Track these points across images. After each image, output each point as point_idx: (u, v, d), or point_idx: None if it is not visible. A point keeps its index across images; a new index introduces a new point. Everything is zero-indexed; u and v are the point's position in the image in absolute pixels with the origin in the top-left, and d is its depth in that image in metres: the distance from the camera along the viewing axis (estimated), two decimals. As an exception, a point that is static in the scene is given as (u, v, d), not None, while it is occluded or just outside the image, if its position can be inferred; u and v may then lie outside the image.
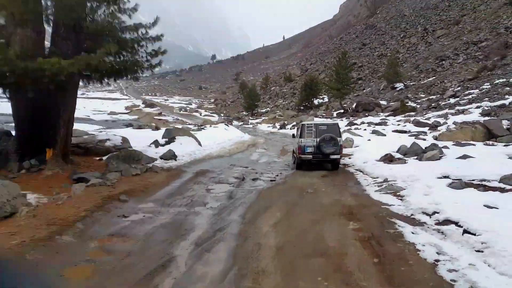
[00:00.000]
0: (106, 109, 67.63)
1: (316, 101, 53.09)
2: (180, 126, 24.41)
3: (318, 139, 11.78)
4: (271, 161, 15.39)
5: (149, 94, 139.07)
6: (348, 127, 24.41)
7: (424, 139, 18.72)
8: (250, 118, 59.73)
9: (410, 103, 34.75)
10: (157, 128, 22.42)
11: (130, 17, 11.16)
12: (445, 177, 9.70)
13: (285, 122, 42.81)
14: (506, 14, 45.49)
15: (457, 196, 8.08)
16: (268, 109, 65.75)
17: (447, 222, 6.83)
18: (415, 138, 19.24)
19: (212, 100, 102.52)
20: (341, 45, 78.48)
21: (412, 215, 7.43)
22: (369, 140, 17.74)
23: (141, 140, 15.57)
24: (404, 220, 7.15)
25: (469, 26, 50.05)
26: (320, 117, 38.58)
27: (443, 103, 32.43)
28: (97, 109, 67.30)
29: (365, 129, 23.01)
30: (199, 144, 16.29)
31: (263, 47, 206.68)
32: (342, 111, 39.16)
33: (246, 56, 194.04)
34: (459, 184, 8.90)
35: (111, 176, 9.69)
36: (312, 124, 12.45)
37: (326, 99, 55.05)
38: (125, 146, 14.11)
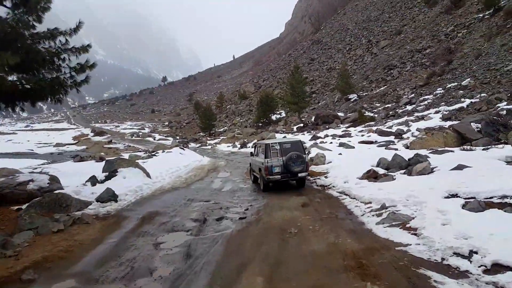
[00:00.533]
0: (52, 140, 63.71)
1: (274, 117, 51.56)
2: (126, 155, 21.22)
3: (284, 158, 11.23)
4: (237, 188, 12.90)
5: (99, 121, 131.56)
6: (313, 141, 22.63)
7: (396, 149, 17.24)
8: (208, 138, 57.00)
9: (368, 113, 34.00)
10: (101, 159, 19.18)
11: (39, 21, 8.13)
12: (453, 195, 7.78)
13: (245, 140, 40.63)
14: (443, 22, 47.10)
15: (485, 222, 6.09)
16: (225, 128, 63.44)
17: (499, 268, 4.78)
18: (385, 148, 17.75)
19: (167, 123, 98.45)
20: (290, 61, 78.48)
21: (443, 259, 5.28)
22: (340, 154, 15.85)
23: (77, 177, 12.49)
24: (437, 269, 4.99)
25: (411, 35, 51.39)
26: (281, 133, 36.82)
27: (400, 110, 31.94)
28: (42, 141, 64.57)
29: (331, 142, 21.29)
30: (148, 176, 13.41)
31: (214, 66, 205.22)
32: (301, 125, 37.71)
33: (198, 76, 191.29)
34: (477, 205, 6.96)
35: (19, 239, 6.77)
36: (276, 143, 11.81)
37: (283, 114, 53.83)
38: (53, 188, 11.00)
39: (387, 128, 25.96)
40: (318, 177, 12.70)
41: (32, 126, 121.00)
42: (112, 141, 59.16)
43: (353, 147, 18.65)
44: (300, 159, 11.22)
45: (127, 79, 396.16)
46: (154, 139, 65.55)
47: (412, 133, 23.50)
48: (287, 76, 47.04)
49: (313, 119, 38.43)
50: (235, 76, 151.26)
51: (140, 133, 77.51)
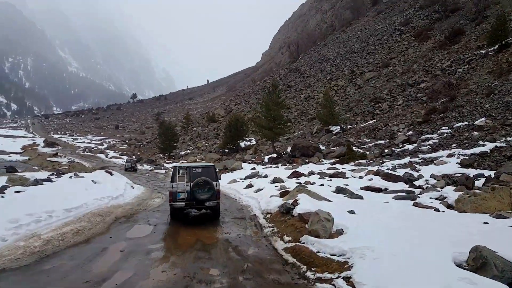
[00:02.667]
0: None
1: (242, 143, 44.73)
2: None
3: (191, 184, 9.86)
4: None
5: (58, 132, 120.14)
6: (295, 179, 15.68)
7: (431, 207, 10.62)
8: (167, 161, 49.14)
9: (356, 149, 27.80)
10: None
11: None
12: None
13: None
14: (437, 57, 42.99)
15: None
16: (188, 151, 55.76)
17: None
18: (413, 205, 11.06)
19: (127, 141, 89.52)
20: (265, 87, 72.80)
21: None
22: (351, 212, 8.79)
23: None
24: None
25: (400, 68, 46.96)
26: (249, 162, 29.80)
27: (397, 149, 25.97)
28: None
29: (321, 185, 14.35)
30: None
31: (187, 88, 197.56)
32: (275, 155, 30.88)
33: (169, 96, 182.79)
34: None
35: None
36: (185, 166, 10.47)
37: (254, 142, 47.10)
38: None
39: (388, 169, 19.67)
40: (327, 275, 5.50)
41: None
42: (58, 154, 52.07)
43: (361, 198, 11.80)
44: (208, 186, 10.03)
45: (98, 94, 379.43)
46: (106, 156, 57.82)
47: (427, 180, 17.52)
48: (262, 96, 40.63)
49: (289, 150, 31.74)
50: (207, 99, 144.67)
51: (95, 148, 69.22)
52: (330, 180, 15.98)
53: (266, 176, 18.16)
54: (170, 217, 10.36)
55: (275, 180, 15.34)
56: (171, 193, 10.01)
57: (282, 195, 11.75)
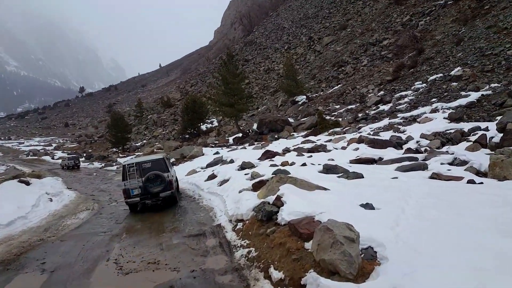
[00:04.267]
0: None
1: (203, 126, 40.87)
2: None
3: (143, 179, 10.15)
4: None
5: (1, 138, 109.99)
6: (270, 162, 12.34)
7: (459, 177, 7.81)
8: (120, 155, 44.31)
9: (328, 117, 24.99)
10: None
11: None
12: None
13: (167, 156, 29.38)
14: (395, 13, 40.81)
15: None
16: (144, 141, 51.02)
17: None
18: (432, 177, 8.24)
19: (77, 138, 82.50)
20: (219, 68, 68.54)
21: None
22: (367, 207, 5.62)
23: None
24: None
25: (359, 29, 44.48)
26: (212, 146, 26.27)
27: (372, 112, 23.47)
28: None
29: (303, 164, 11.13)
30: None
31: (139, 75, 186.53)
32: (240, 135, 27.47)
33: (119, 86, 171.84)
34: None
35: None
36: (133, 163, 10.60)
37: (216, 123, 43.34)
38: None
39: (369, 135, 16.98)
40: None
41: None
42: (-4, 162, 45.57)
43: (361, 176, 8.71)
44: (160, 179, 10.29)
45: (44, 92, 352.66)
46: (52, 158, 51.95)
47: (418, 141, 15.02)
48: (218, 69, 36.65)
49: (255, 127, 28.44)
50: (162, 85, 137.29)
51: (41, 151, 62.63)
52: (311, 156, 12.87)
53: (232, 161, 14.72)
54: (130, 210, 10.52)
55: (244, 166, 11.98)
56: (124, 191, 10.26)
57: (256, 187, 8.43)
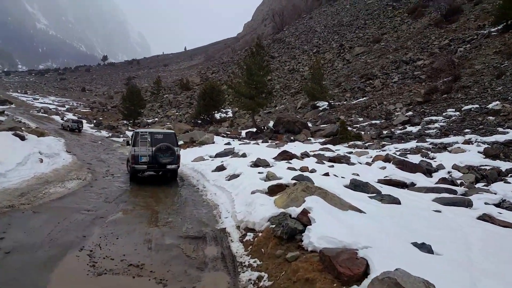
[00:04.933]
0: None
1: (217, 115, 39.64)
2: None
3: (153, 148, 10.39)
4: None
5: (18, 91, 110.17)
6: (286, 163, 11.00)
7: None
8: (130, 128, 43.34)
9: (349, 128, 23.50)
10: None
11: None
12: None
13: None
14: (433, 35, 39.04)
15: None
16: (156, 119, 49.93)
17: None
18: (483, 219, 6.80)
19: (91, 104, 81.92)
20: (246, 57, 67.13)
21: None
22: (423, 248, 4.25)
23: None
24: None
25: (393, 44, 42.73)
26: (223, 136, 24.98)
27: (397, 131, 21.91)
28: None
29: (326, 174, 9.73)
30: None
31: (163, 54, 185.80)
32: (254, 130, 26.12)
33: (142, 61, 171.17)
34: None
35: None
36: (146, 132, 10.83)
37: (230, 114, 42.09)
38: None
39: (394, 155, 15.56)
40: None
41: None
42: (5, 112, 44.98)
43: (397, 201, 7.30)
44: (170, 151, 10.54)
45: (68, 54, 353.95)
46: (62, 119, 51.20)
47: (449, 172, 13.56)
48: (243, 58, 35.23)
49: (271, 125, 27.09)
50: (183, 67, 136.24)
51: (52, 110, 62.03)
52: (332, 166, 11.46)
53: (244, 155, 13.36)
54: (130, 178, 10.72)
55: (258, 163, 10.62)
56: (133, 157, 10.32)
57: (272, 191, 7.09)
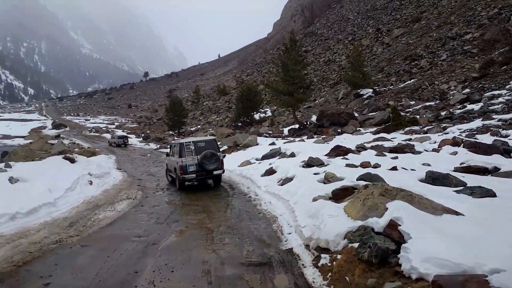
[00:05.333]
0: (7, 131, 57.84)
1: (257, 116, 38.92)
2: None
3: (199, 157, 10.63)
4: None
5: (71, 114, 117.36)
6: (342, 159, 9.76)
7: None
8: (175, 138, 43.92)
9: (401, 113, 21.56)
10: None
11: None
12: None
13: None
14: (479, 5, 35.49)
15: None
16: (198, 126, 50.31)
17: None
18: None
19: (138, 119, 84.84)
20: (279, 55, 65.94)
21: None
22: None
23: None
24: None
25: (435, 21, 39.54)
26: (265, 136, 24.04)
27: (457, 111, 19.74)
28: None
29: (393, 168, 8.39)
30: None
31: (199, 64, 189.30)
32: (296, 126, 24.96)
33: (180, 73, 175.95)
34: None
35: None
36: (190, 142, 11.24)
37: (269, 113, 41.18)
38: None
39: (460, 136, 13.78)
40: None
41: (0, 116, 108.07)
42: (61, 136, 47.74)
43: (491, 194, 5.90)
44: (215, 157, 10.78)
45: (112, 74, 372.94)
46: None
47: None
48: (280, 52, 34.16)
49: (313, 119, 25.77)
50: (219, 74, 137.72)
51: (103, 128, 64.82)
52: (396, 157, 10.08)
53: (293, 154, 12.31)
54: (178, 187, 11.04)
55: (311, 162, 9.52)
56: (181, 167, 10.50)
57: (338, 196, 6.00)
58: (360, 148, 11.99)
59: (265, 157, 13.98)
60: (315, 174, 8.30)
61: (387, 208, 4.39)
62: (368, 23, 52.99)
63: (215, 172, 10.76)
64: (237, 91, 50.72)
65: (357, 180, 6.69)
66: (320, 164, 9.44)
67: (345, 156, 10.53)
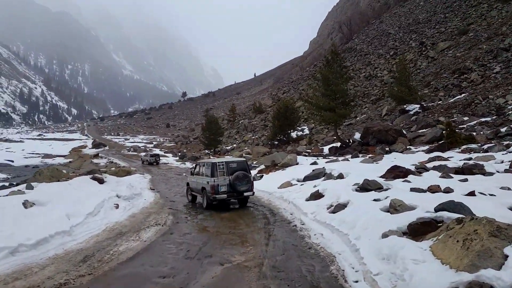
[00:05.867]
0: (50, 151, 61.11)
1: (294, 134, 37.71)
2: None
3: (231, 178, 10.55)
4: None
5: (112, 133, 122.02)
6: (404, 182, 8.21)
7: None
8: (211, 157, 43.56)
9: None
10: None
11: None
12: None
13: (253, 162, 27.33)
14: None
15: None
16: (234, 145, 49.81)
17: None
18: None
19: (175, 138, 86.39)
20: (320, 68, 64.82)
21: None
22: None
23: None
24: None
25: (485, 33, 36.96)
26: (304, 155, 22.71)
27: (522, 126, 17.50)
28: (36, 151, 61.34)
29: (470, 193, 6.89)
30: None
31: (235, 84, 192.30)
32: (338, 144, 23.43)
33: (217, 93, 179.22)
34: None
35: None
36: (223, 162, 11.04)
37: (307, 131, 39.81)
38: None
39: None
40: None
41: (44, 135, 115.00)
42: (100, 155, 49.03)
43: None
44: (247, 179, 10.70)
45: (152, 95, 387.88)
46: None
47: None
48: (321, 65, 32.94)
49: (356, 137, 24.12)
50: (255, 93, 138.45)
51: (140, 147, 66.08)
52: (465, 180, 8.48)
53: (341, 176, 10.92)
54: (205, 207, 10.89)
55: (367, 186, 8.09)
56: (213, 187, 10.41)
57: (416, 232, 4.64)
58: (421, 169, 10.40)
59: (307, 178, 12.67)
60: (375, 200, 6.95)
61: (506, 256, 3.03)
62: (410, 37, 50.82)
63: (245, 194, 10.71)
64: (273, 108, 49.91)
65: (436, 210, 5.28)
66: (378, 188, 8.05)
67: (406, 178, 9.03)
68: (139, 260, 5.94)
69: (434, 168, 10.30)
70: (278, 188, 12.56)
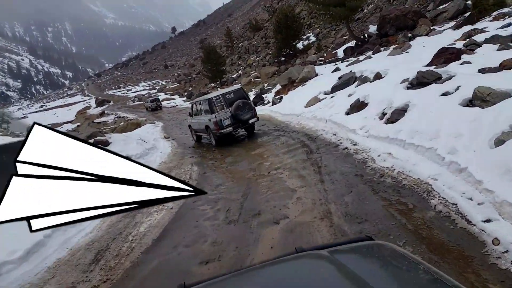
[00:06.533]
0: (55, 120, 57.05)
1: (299, 44, 35.03)
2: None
3: (231, 109, 10.27)
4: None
5: (112, 87, 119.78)
6: (462, 64, 6.58)
7: None
8: (219, 89, 41.76)
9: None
10: None
11: None
12: None
13: (264, 85, 25.79)
14: None
15: None
16: (240, 71, 47.48)
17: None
18: None
19: (177, 78, 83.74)
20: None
21: None
22: None
23: None
24: None
25: None
26: (319, 64, 20.65)
27: None
28: (42, 123, 58.44)
29: None
30: None
31: (223, 5, 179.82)
32: (353, 43, 21.04)
33: (207, 20, 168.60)
34: None
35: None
36: (219, 95, 10.69)
37: (312, 38, 36.82)
38: None
39: None
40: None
41: (46, 106, 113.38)
42: (105, 112, 47.58)
43: None
44: (248, 106, 10.51)
45: (141, 38, 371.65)
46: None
47: None
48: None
49: (372, 30, 21.58)
50: (247, 10, 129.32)
51: (145, 95, 64.28)
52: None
53: (378, 76, 9.10)
54: (215, 144, 10.61)
55: (423, 79, 6.39)
56: (216, 123, 10.14)
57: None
58: (471, 45, 8.51)
59: (336, 87, 11.00)
60: (443, 95, 5.37)
61: None
62: None
63: (250, 121, 10.55)
64: (272, 22, 46.01)
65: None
66: (438, 78, 6.38)
67: (461, 60, 7.28)
68: (168, 241, 4.66)
69: (487, 40, 8.38)
70: (305, 107, 11.04)
